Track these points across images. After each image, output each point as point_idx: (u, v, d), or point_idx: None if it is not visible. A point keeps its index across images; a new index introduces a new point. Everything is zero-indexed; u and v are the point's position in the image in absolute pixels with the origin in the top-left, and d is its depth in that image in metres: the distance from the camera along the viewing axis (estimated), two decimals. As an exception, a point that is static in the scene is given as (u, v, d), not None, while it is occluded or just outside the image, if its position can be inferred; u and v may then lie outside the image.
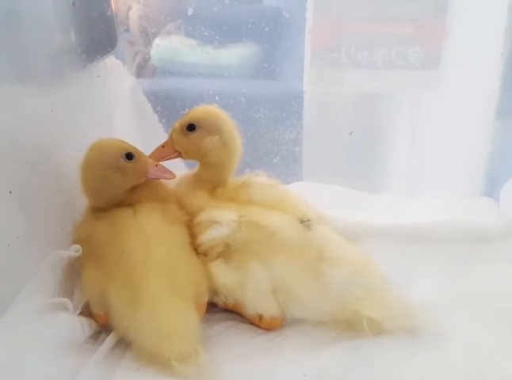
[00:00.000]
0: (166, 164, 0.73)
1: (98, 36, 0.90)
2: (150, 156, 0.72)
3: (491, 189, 0.95)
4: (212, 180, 0.73)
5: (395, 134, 1.00)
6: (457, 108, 0.96)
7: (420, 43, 0.92)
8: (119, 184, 0.67)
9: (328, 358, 0.60)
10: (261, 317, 0.65)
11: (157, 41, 1.16)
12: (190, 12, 1.00)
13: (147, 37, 1.18)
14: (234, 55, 1.08)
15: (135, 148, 0.69)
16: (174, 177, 0.72)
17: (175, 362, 0.55)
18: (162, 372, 0.56)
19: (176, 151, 0.73)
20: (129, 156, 0.67)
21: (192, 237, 0.69)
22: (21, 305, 0.58)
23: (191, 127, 0.71)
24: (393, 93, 0.98)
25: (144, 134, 0.98)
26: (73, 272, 0.66)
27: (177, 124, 0.72)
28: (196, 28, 1.10)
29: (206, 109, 0.73)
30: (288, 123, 1.02)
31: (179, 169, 0.81)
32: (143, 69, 1.21)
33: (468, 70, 0.93)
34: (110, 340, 0.61)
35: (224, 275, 0.65)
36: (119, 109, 0.96)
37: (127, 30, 1.16)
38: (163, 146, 0.73)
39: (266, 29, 0.98)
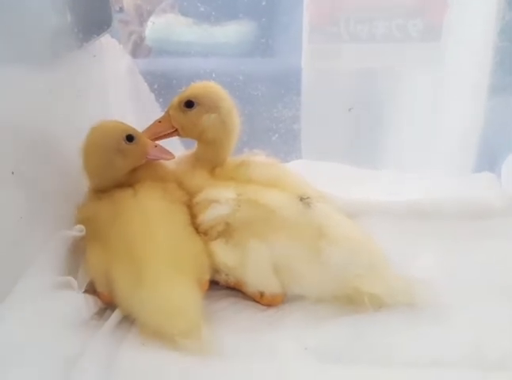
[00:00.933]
0: (163, 143, 0.72)
1: (93, 15, 0.89)
2: (146, 130, 0.71)
3: (493, 165, 0.95)
4: (210, 158, 0.73)
5: (396, 109, 0.99)
6: (458, 82, 0.95)
7: (421, 16, 0.91)
8: (120, 166, 0.67)
9: (329, 331, 0.60)
10: (262, 294, 0.66)
11: (151, 20, 1.15)
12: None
13: (142, 16, 1.17)
14: (231, 32, 1.07)
15: (134, 129, 0.69)
16: (174, 158, 0.71)
17: (178, 337, 0.56)
18: (166, 347, 0.57)
19: (173, 127, 0.71)
20: (130, 138, 0.67)
21: (193, 216, 0.69)
22: (27, 283, 0.60)
23: (189, 104, 0.70)
24: (393, 67, 0.97)
25: (141, 113, 0.97)
26: (77, 252, 0.67)
27: (175, 100, 0.71)
28: (192, 5, 1.08)
29: (205, 86, 0.71)
30: (287, 100, 1.01)
31: (177, 148, 0.81)
32: (138, 48, 1.20)
33: (470, 42, 0.91)
34: (115, 316, 0.62)
35: (225, 254, 0.66)
36: (116, 89, 0.95)
37: (121, 9, 1.15)
38: (160, 122, 0.72)
39: (263, 4, 0.96)
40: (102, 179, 0.69)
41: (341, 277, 0.62)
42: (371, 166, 0.97)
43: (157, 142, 0.71)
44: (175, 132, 0.72)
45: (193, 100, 0.70)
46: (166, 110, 0.72)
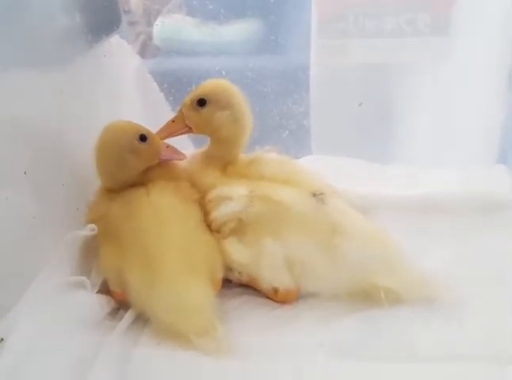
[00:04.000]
0: (174, 141, 0.72)
1: (102, 16, 0.89)
2: (160, 131, 0.71)
3: (505, 157, 0.94)
4: (223, 156, 0.73)
5: (406, 104, 0.98)
6: (469, 76, 0.94)
7: (429, 10, 0.90)
8: (134, 166, 0.68)
9: (344, 328, 0.60)
10: (276, 291, 0.65)
11: (159, 20, 1.15)
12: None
13: (149, 17, 1.17)
14: (239, 30, 1.07)
15: (147, 129, 0.69)
16: (186, 158, 0.72)
17: (193, 336, 0.56)
18: (181, 346, 0.57)
19: (186, 126, 0.72)
20: (143, 138, 0.67)
21: (205, 214, 0.69)
22: (41, 284, 0.60)
23: (201, 102, 0.69)
24: (403, 61, 0.96)
25: (151, 113, 0.98)
26: (90, 252, 0.68)
27: (187, 99, 0.71)
28: (200, 4, 1.08)
29: (217, 83, 0.71)
30: (297, 97, 1.01)
31: (187, 147, 0.81)
32: (146, 49, 1.20)
33: (478, 36, 0.91)
34: (129, 316, 0.62)
35: (238, 252, 0.66)
36: (126, 89, 0.95)
37: (129, 11, 1.16)
38: (173, 121, 0.72)
39: (271, 1, 0.96)
40: (115, 178, 0.69)
41: (357, 272, 0.62)
42: (383, 161, 0.96)
43: (168, 142, 0.72)
44: (189, 130, 0.72)
45: (205, 98, 0.69)
46: (178, 109, 0.72)
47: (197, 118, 0.70)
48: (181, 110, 0.72)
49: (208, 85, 0.71)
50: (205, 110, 0.70)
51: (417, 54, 0.94)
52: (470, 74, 0.94)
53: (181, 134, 0.73)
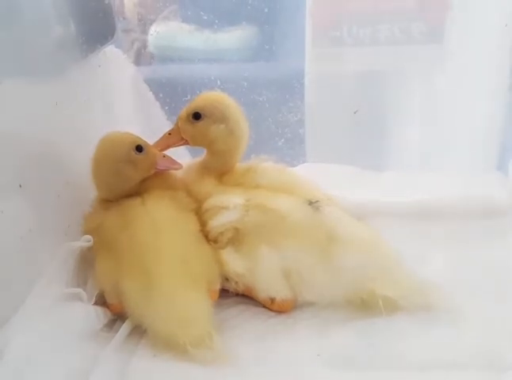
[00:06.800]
0: (170, 151, 0.73)
1: (97, 26, 0.89)
2: (156, 143, 0.72)
3: (500, 163, 0.94)
4: (219, 167, 0.73)
5: (401, 111, 0.98)
6: (465, 83, 0.94)
7: (423, 18, 0.91)
8: (131, 177, 0.68)
9: (341, 337, 0.60)
10: (272, 300, 0.65)
11: (154, 28, 1.16)
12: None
13: (144, 25, 1.17)
14: (234, 38, 1.07)
15: (143, 140, 0.69)
16: (182, 168, 0.72)
17: (190, 346, 0.56)
18: (178, 357, 0.57)
19: (182, 139, 0.72)
20: (139, 148, 0.67)
21: (202, 224, 0.69)
22: (37, 297, 0.59)
23: (196, 116, 0.70)
24: (397, 69, 0.97)
25: (147, 122, 0.98)
26: (86, 263, 0.67)
27: (183, 112, 0.71)
28: (194, 12, 1.08)
29: (211, 97, 0.71)
30: (292, 105, 1.01)
31: (183, 156, 0.81)
32: (141, 57, 1.20)
33: (473, 43, 0.91)
34: (125, 327, 0.62)
35: (235, 263, 0.66)
36: (121, 98, 0.95)
37: (124, 18, 1.16)
38: (170, 134, 0.73)
39: (266, 9, 0.97)
40: (112, 189, 0.69)
41: (354, 280, 0.62)
42: (379, 168, 0.96)
43: (164, 151, 0.72)
44: (185, 143, 0.73)
45: (200, 111, 0.70)
46: (175, 122, 0.73)
47: (193, 131, 0.71)
48: (177, 123, 0.72)
49: (203, 99, 0.71)
50: (200, 123, 0.70)
51: (411, 61, 0.95)
52: (465, 81, 0.95)
53: (178, 146, 0.73)
